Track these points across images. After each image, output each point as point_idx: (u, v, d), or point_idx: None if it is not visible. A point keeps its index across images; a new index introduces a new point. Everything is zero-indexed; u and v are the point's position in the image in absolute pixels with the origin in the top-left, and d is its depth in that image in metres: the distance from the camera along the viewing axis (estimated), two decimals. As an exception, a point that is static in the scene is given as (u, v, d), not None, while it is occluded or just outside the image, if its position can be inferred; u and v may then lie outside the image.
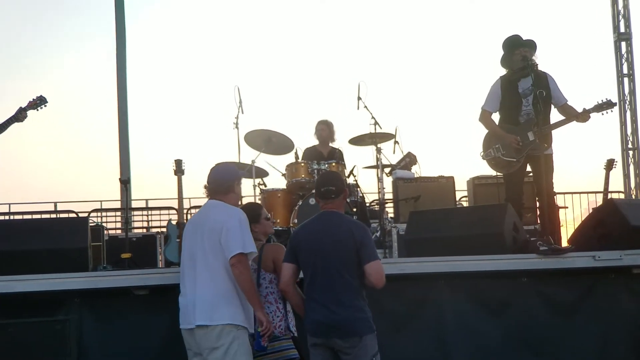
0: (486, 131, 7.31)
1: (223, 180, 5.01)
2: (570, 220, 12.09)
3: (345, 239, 4.74)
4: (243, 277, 4.74)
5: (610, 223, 6.60)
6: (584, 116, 6.95)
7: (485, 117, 7.25)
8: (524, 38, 7.24)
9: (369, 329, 4.72)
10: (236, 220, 4.82)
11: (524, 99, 7.10)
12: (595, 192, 12.56)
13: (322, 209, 4.96)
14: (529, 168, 7.30)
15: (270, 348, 4.97)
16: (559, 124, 7.06)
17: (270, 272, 5.16)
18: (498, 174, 7.55)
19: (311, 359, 4.84)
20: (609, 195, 10.11)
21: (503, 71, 7.32)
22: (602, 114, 6.94)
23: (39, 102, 7.27)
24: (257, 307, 4.84)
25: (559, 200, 12.36)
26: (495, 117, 7.35)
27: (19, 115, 7.22)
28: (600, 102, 6.90)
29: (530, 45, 7.16)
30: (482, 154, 7.34)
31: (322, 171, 8.28)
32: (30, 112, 7.21)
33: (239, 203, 5.29)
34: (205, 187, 5.09)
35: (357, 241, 4.72)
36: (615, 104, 6.94)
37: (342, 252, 4.72)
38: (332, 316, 4.67)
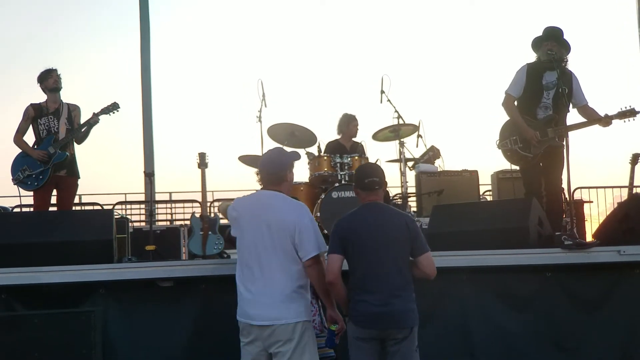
0: (506, 118, 7.28)
1: (275, 170, 4.92)
2: (595, 215, 12.02)
3: (400, 231, 4.73)
4: (320, 278, 4.75)
5: (636, 217, 6.55)
6: (605, 121, 6.91)
7: (508, 103, 7.22)
8: (563, 34, 7.18)
9: (417, 320, 4.75)
10: (308, 219, 4.78)
11: (545, 92, 7.10)
12: (621, 187, 12.47)
13: (363, 201, 4.90)
14: None
15: None
16: (580, 125, 7.02)
17: None
18: (514, 166, 7.54)
19: (355, 352, 4.78)
20: (634, 190, 10.03)
21: (524, 60, 7.30)
22: (625, 122, 6.90)
23: (111, 107, 7.78)
24: (330, 305, 4.87)
25: (584, 194, 12.37)
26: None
27: (91, 120, 7.71)
28: (623, 109, 6.85)
29: (562, 44, 7.12)
30: (498, 142, 7.31)
31: (345, 165, 8.30)
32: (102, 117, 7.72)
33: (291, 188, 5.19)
34: (257, 174, 5.04)
35: (412, 233, 4.73)
36: (638, 112, 6.86)
37: (398, 244, 4.72)
38: (388, 307, 4.65)
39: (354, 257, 4.79)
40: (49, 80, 7.81)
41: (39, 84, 7.87)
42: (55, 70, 7.87)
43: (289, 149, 5.34)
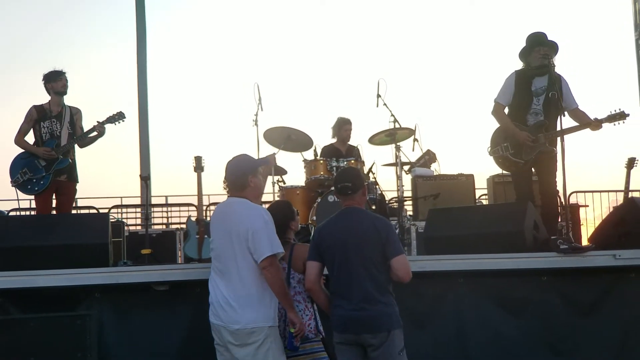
0: (497, 126, 7.27)
1: (237, 177, 4.97)
2: (590, 219, 12.03)
3: (371, 235, 4.72)
4: (275, 280, 4.76)
5: (631, 221, 6.56)
6: (595, 125, 6.88)
7: (498, 111, 7.19)
8: (548, 37, 7.18)
9: (397, 323, 4.71)
10: (261, 222, 4.79)
11: (535, 98, 7.06)
12: (616, 191, 12.49)
13: (343, 206, 4.94)
14: None
15: (302, 349, 4.99)
16: (570, 130, 6.95)
17: (300, 272, 5.13)
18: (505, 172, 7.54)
19: (338, 356, 4.82)
20: (630, 194, 10.05)
21: (519, 64, 7.27)
22: (614, 125, 6.86)
23: (117, 117, 7.65)
24: (289, 308, 4.88)
25: (580, 198, 12.38)
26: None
27: (95, 129, 7.56)
28: (612, 112, 6.82)
29: (552, 47, 7.10)
30: (489, 149, 7.30)
31: (340, 168, 8.28)
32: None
33: (260, 194, 5.21)
34: (224, 182, 5.10)
35: (383, 236, 4.71)
36: (627, 115, 6.80)
37: (368, 248, 4.71)
38: (360, 312, 4.66)
39: (329, 263, 4.84)
40: (58, 82, 7.62)
41: (44, 83, 7.65)
42: (65, 73, 7.68)
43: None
